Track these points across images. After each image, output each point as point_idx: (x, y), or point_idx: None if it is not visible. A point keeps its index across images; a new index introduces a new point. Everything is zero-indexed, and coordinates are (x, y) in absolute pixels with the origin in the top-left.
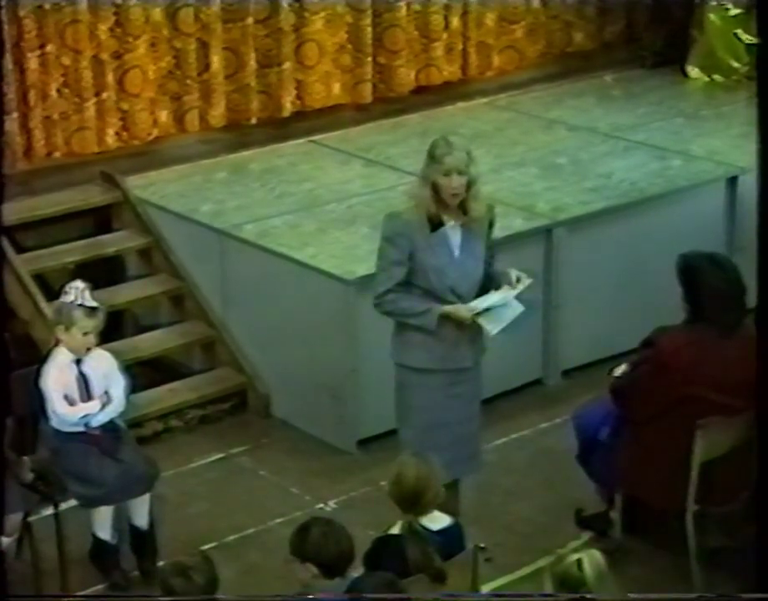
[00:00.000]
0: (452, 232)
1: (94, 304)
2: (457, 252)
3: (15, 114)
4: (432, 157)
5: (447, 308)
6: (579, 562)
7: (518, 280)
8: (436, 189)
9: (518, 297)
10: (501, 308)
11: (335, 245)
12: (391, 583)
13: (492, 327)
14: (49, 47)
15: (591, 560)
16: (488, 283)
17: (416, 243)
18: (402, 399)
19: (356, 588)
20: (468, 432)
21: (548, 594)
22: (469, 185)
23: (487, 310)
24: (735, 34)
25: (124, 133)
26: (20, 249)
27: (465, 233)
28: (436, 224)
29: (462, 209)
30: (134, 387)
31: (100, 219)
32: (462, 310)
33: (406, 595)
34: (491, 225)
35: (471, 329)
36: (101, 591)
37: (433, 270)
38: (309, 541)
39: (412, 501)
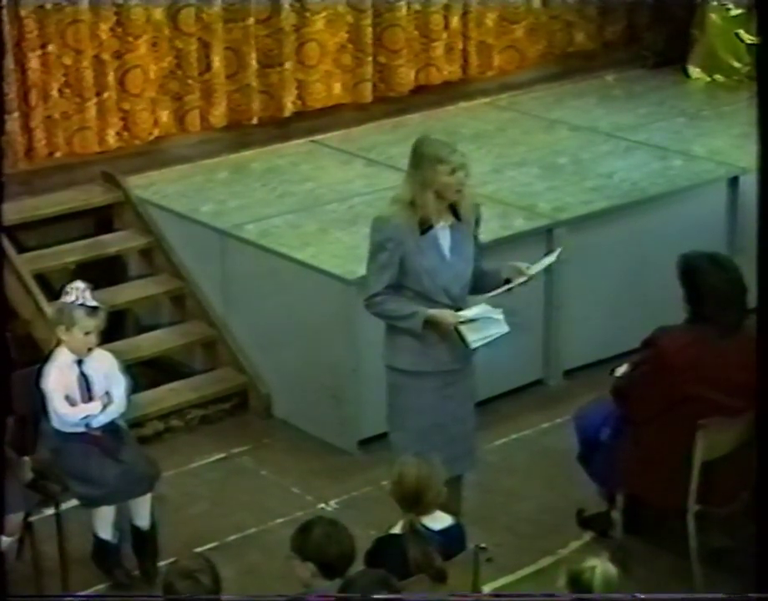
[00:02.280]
0: (442, 233)
1: (95, 304)
2: (447, 253)
3: (16, 114)
4: (437, 159)
5: (433, 312)
6: (594, 569)
7: (528, 268)
8: (437, 191)
9: (518, 294)
10: (487, 322)
11: (336, 245)
12: (383, 580)
13: (473, 339)
14: (50, 47)
15: (604, 573)
16: (476, 281)
17: (406, 246)
18: (395, 402)
19: (349, 585)
20: (462, 432)
21: (548, 594)
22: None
23: (472, 320)
24: (737, 34)
25: (125, 133)
26: (21, 249)
27: (454, 234)
28: (426, 227)
29: (452, 209)
30: (135, 387)
31: (101, 219)
32: (448, 315)
33: (404, 595)
34: (477, 224)
35: (451, 337)
36: (102, 591)
37: (425, 273)
38: (311, 540)
39: (414, 500)
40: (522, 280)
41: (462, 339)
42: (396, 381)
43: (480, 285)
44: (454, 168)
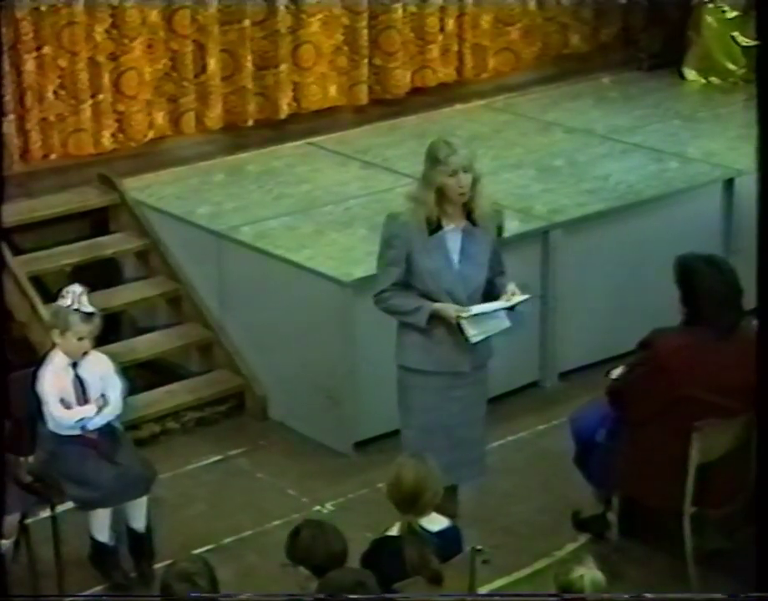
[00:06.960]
0: (452, 236)
1: (91, 309)
2: (455, 257)
3: (12, 116)
4: (436, 159)
5: (437, 306)
6: (583, 578)
7: (513, 294)
8: (441, 192)
9: (517, 308)
10: (488, 317)
11: (332, 247)
12: (359, 581)
13: (473, 334)
14: (46, 49)
15: (593, 581)
16: (492, 291)
17: (412, 245)
18: (402, 400)
19: (325, 585)
20: (469, 437)
21: (547, 594)
22: (473, 183)
23: (475, 315)
24: (732, 37)
25: (120, 135)
26: (17, 251)
27: (467, 238)
28: (434, 228)
29: (466, 211)
30: (132, 389)
31: (97, 221)
32: (450, 309)
33: (399, 596)
34: (499, 232)
35: (455, 332)
36: (100, 593)
37: (428, 274)
38: (298, 544)
39: (411, 501)
40: (507, 304)
41: (463, 332)
42: (404, 378)
43: (491, 295)
44: (454, 169)
